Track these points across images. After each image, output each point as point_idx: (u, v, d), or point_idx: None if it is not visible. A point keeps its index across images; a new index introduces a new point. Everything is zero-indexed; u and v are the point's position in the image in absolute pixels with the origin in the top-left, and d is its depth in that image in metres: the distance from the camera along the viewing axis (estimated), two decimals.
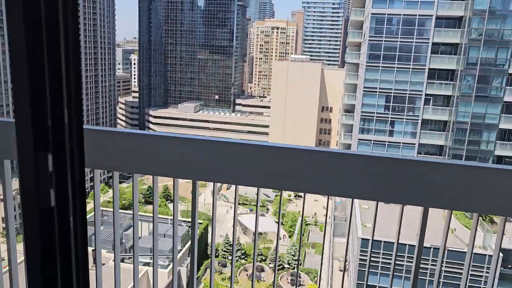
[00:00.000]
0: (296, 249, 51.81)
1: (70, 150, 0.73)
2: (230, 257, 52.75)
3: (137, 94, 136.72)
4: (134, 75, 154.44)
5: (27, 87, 0.69)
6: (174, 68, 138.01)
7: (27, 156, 0.71)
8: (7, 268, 2.05)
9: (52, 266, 0.75)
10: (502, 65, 40.48)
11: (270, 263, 51.85)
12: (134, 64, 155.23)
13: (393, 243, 2.22)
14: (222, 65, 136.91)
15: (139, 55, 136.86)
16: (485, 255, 24.84)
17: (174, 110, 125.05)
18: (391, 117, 45.35)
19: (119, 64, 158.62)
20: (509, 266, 27.34)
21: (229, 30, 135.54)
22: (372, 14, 43.82)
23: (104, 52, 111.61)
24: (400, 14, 43.33)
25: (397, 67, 44.05)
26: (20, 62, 0.69)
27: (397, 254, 2.13)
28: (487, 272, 21.83)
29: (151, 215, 2.42)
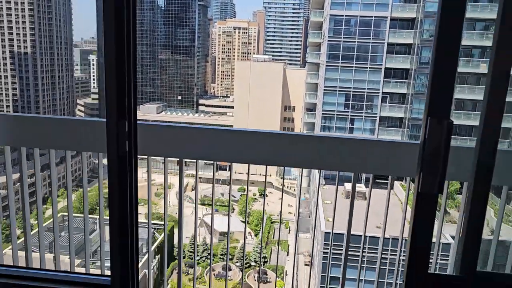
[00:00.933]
0: (262, 247, 52.48)
1: (134, 120, 1.27)
2: (197, 258, 52.83)
3: (96, 96, 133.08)
4: (93, 76, 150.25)
5: (115, 88, 1.35)
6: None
7: (113, 123, 1.22)
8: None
9: (124, 188, 1.30)
10: None
11: (237, 262, 52.22)
12: (93, 65, 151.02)
13: (355, 235, 2.73)
14: (184, 66, 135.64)
15: (98, 55, 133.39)
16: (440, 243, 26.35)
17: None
18: (351, 115, 46.93)
19: (77, 64, 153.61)
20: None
21: (190, 30, 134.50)
22: (330, 15, 45.20)
23: (61, 52, 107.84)
24: (357, 16, 44.95)
25: (355, 67, 45.63)
26: (111, 76, 1.37)
27: (352, 245, 2.68)
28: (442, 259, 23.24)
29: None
